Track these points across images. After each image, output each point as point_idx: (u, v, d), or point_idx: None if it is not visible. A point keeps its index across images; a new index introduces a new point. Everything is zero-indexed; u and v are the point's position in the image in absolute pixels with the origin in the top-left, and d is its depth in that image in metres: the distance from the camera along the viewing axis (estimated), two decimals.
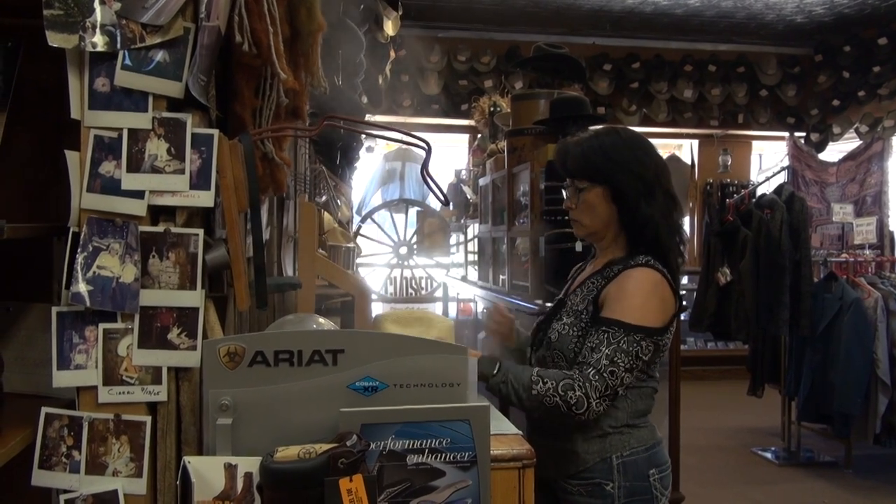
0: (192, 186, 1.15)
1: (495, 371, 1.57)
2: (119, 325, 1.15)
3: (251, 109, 1.30)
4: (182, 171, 1.15)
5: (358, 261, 5.30)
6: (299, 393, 1.12)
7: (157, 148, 1.15)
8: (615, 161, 1.62)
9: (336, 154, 3.65)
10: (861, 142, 7.65)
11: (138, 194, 1.15)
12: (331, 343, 1.14)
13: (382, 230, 7.54)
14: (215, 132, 1.17)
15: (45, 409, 1.15)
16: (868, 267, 4.96)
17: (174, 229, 1.16)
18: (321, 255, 2.88)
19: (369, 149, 6.50)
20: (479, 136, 6.75)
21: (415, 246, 7.54)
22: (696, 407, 5.10)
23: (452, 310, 6.76)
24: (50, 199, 1.40)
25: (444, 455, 1.12)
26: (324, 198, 4.62)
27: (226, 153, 1.17)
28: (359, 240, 7.08)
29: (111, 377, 1.15)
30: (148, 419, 1.16)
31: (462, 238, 6.13)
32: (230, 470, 1.06)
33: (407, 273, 7.67)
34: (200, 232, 1.16)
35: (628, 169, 1.61)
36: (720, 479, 4.39)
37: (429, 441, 1.11)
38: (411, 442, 1.11)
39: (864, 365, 4.40)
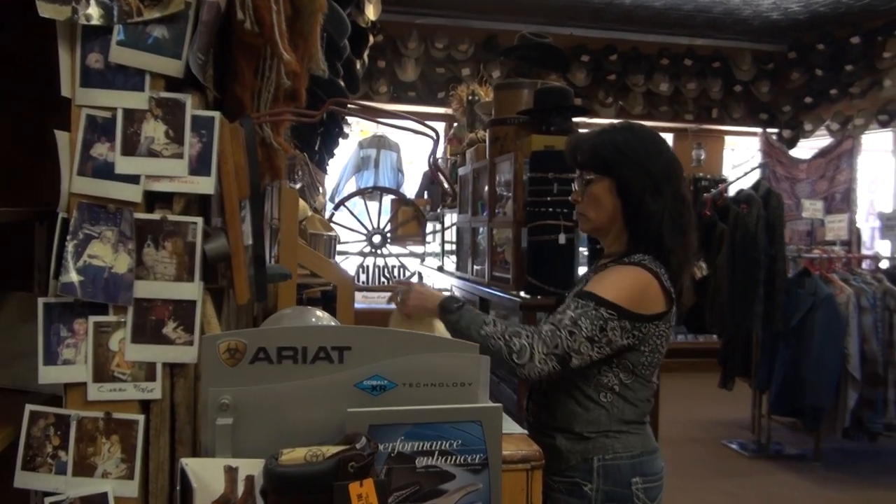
0: (192, 172, 1.08)
1: (455, 306, 1.55)
2: (111, 317, 1.08)
3: (251, 91, 1.23)
4: (181, 156, 1.08)
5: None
6: (304, 392, 1.07)
7: (154, 130, 1.08)
8: (624, 154, 1.58)
9: (316, 140, 3.56)
10: (832, 139, 7.75)
11: (133, 179, 1.07)
12: (337, 339, 1.08)
13: (356, 218, 7.45)
14: (216, 114, 1.10)
15: (29, 407, 1.08)
16: (839, 263, 5.03)
17: (171, 217, 1.09)
18: (303, 244, 2.81)
19: (344, 135, 6.41)
20: (456, 124, 6.69)
21: (388, 234, 7.48)
22: (666, 399, 5.12)
23: None
24: (33, 181, 1.32)
25: (454, 457, 1.07)
26: (299, 184, 4.53)
27: (227, 137, 1.10)
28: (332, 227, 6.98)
29: (102, 373, 1.08)
30: (141, 418, 1.09)
31: (438, 227, 6.08)
32: (230, 473, 1.01)
33: (380, 262, 7.61)
34: (199, 220, 1.10)
35: (636, 162, 1.57)
36: (693, 471, 4.43)
37: (439, 443, 1.07)
38: (421, 444, 1.06)
39: (836, 360, 4.47)
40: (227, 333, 1.04)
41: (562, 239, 3.38)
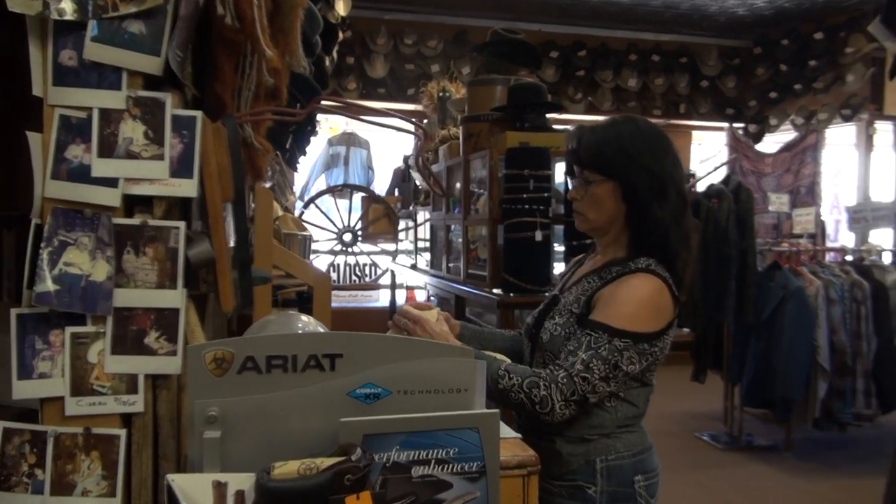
0: (173, 174, 1.03)
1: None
2: (89, 328, 1.03)
3: (231, 89, 1.18)
4: (161, 157, 1.03)
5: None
6: (295, 402, 1.03)
7: (132, 130, 1.03)
8: (630, 156, 1.52)
9: (287, 138, 3.50)
10: (796, 133, 7.87)
11: (111, 182, 1.02)
12: (328, 347, 1.04)
13: (326, 216, 7.38)
14: (198, 114, 1.06)
15: (2, 424, 1.02)
16: (808, 256, 5.10)
17: (152, 221, 1.04)
18: (278, 245, 2.75)
19: (315, 132, 6.33)
20: (426, 121, 6.65)
21: (359, 232, 7.41)
22: None
23: (399, 297, 6.68)
24: (2, 185, 1.26)
25: (451, 466, 1.04)
26: (269, 183, 4.46)
27: (209, 137, 1.06)
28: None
29: (80, 387, 1.02)
30: (122, 432, 1.04)
31: (411, 224, 6.04)
32: (220, 488, 0.96)
33: (351, 260, 7.54)
34: (182, 224, 1.05)
35: (644, 166, 1.51)
36: (667, 463, 4.40)
37: (435, 451, 1.04)
38: (417, 453, 1.03)
39: (806, 352, 4.52)
40: (214, 343, 0.99)
41: (538, 236, 3.36)
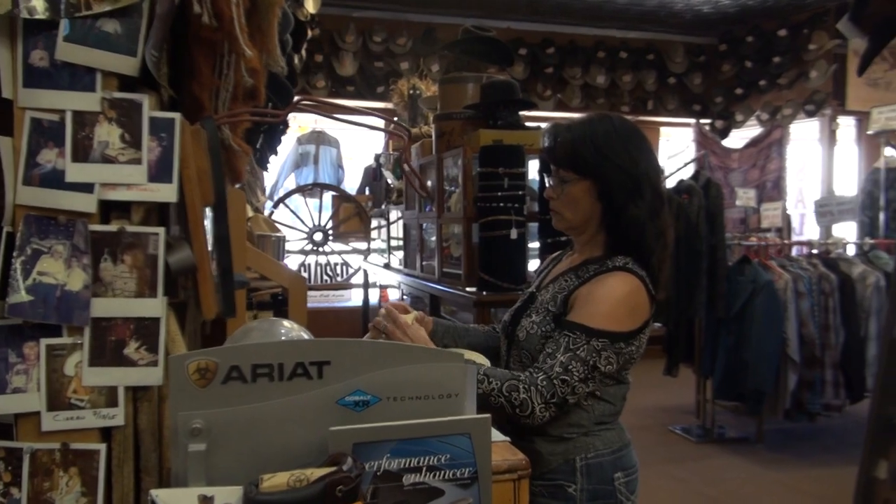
0: (151, 178, 1.00)
1: None
2: (66, 339, 0.99)
3: (209, 90, 1.15)
4: (139, 161, 0.99)
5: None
6: (282, 411, 1.00)
7: (108, 134, 0.99)
8: (605, 154, 1.52)
9: (258, 137, 3.45)
10: (762, 129, 7.98)
11: (86, 188, 0.98)
12: (316, 354, 1.01)
13: (296, 215, 7.30)
14: (177, 116, 1.02)
15: None
16: (776, 250, 5.17)
17: (130, 228, 1.00)
18: (251, 247, 2.70)
19: (285, 131, 6.27)
20: (396, 118, 6.62)
21: (330, 232, 7.35)
22: None
23: (372, 296, 6.64)
24: None
25: (443, 472, 1.02)
26: (238, 184, 4.38)
27: (188, 140, 1.02)
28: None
29: (57, 401, 0.98)
30: (102, 447, 1.01)
31: (383, 223, 6.00)
32: (206, 503, 0.93)
33: (322, 259, 7.48)
34: (161, 231, 1.01)
35: (618, 165, 1.51)
36: (642, 457, 4.42)
37: (426, 458, 1.02)
38: (408, 460, 1.01)
39: (776, 344, 4.59)
40: (197, 352, 0.96)
41: (513, 234, 3.36)
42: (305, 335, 1.19)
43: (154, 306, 1.00)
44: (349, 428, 0.99)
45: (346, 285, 7.57)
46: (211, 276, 1.06)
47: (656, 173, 1.56)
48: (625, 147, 1.53)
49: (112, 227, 1.00)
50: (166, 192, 1.00)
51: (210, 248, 1.17)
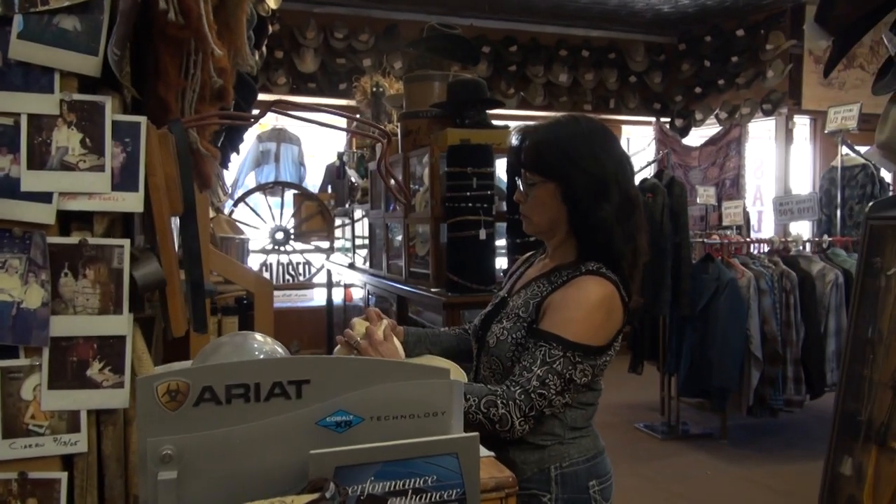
0: (115, 187, 0.92)
1: None
2: (22, 361, 0.91)
3: (176, 91, 1.08)
4: (101, 168, 0.92)
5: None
6: (259, 434, 0.94)
7: (67, 139, 0.91)
8: (569, 157, 1.49)
9: (220, 135, 3.34)
10: (721, 128, 8.09)
11: (44, 197, 0.91)
12: (294, 372, 0.96)
13: (257, 214, 7.18)
14: (142, 119, 0.95)
15: None
16: (737, 248, 5.23)
17: (92, 240, 0.93)
18: (215, 250, 2.62)
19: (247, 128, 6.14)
20: (359, 116, 6.54)
21: (292, 230, 7.24)
22: None
23: (336, 296, 6.55)
24: None
25: (430, 495, 0.97)
26: (207, 190, 4.27)
27: (155, 145, 0.95)
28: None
29: (13, 427, 0.91)
30: (63, 476, 0.93)
31: (346, 222, 5.92)
32: None
33: (284, 259, 7.37)
34: (126, 243, 0.94)
35: (582, 167, 1.48)
36: (610, 455, 4.49)
37: (412, 480, 0.97)
38: (393, 483, 0.96)
39: (739, 341, 4.63)
40: (167, 373, 0.90)
41: (482, 234, 3.33)
42: (280, 349, 1.13)
43: (119, 323, 0.93)
44: (331, 451, 0.94)
45: (308, 285, 7.48)
46: (180, 290, 0.99)
47: (625, 176, 1.53)
48: (590, 148, 1.50)
49: (73, 240, 0.92)
50: (132, 202, 0.93)
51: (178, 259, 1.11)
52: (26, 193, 0.91)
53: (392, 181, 1.20)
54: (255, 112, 1.29)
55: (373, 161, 4.75)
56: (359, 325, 1.55)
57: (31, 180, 0.90)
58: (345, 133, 7.33)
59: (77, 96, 0.92)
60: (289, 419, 0.95)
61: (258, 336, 1.16)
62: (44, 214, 0.91)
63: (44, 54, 0.90)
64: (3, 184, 0.90)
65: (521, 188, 1.58)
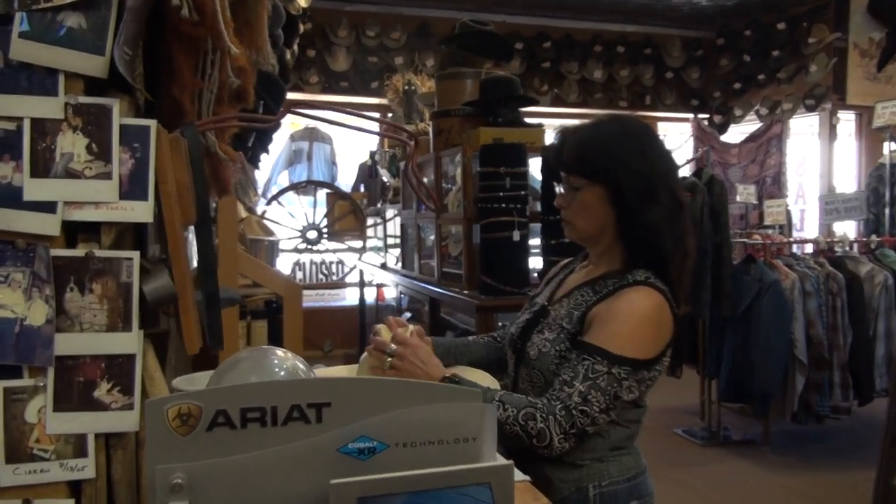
0: (123, 196, 0.87)
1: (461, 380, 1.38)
2: (26, 381, 0.86)
3: (191, 93, 1.02)
4: (108, 176, 0.86)
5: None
6: (276, 462, 0.87)
7: (72, 144, 0.85)
8: (616, 157, 1.41)
9: (250, 135, 3.31)
10: (761, 124, 7.88)
11: (48, 207, 0.85)
12: (314, 395, 0.89)
13: (290, 213, 7.18)
14: (152, 123, 0.89)
15: None
16: (779, 248, 5.07)
17: (99, 252, 0.87)
18: (244, 253, 2.58)
19: (277, 128, 6.14)
20: (391, 115, 6.50)
21: (324, 230, 7.23)
22: None
23: (368, 295, 6.52)
24: None
25: None
26: (225, 196, 4.25)
27: (166, 151, 0.89)
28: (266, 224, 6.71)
29: (17, 452, 0.85)
30: (70, 503, 0.88)
31: (378, 221, 5.88)
32: None
33: (316, 258, 7.37)
34: (135, 255, 0.88)
35: (630, 167, 1.40)
36: (648, 462, 4.38)
37: None
38: None
39: (783, 345, 4.49)
40: (177, 395, 0.84)
41: (516, 236, 3.24)
42: (301, 366, 1.06)
43: (128, 341, 0.87)
44: (353, 480, 0.87)
45: (341, 284, 7.47)
46: (194, 305, 0.93)
47: (673, 176, 1.45)
48: (636, 148, 1.43)
49: (78, 252, 0.87)
50: (141, 211, 0.87)
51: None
52: (29, 203, 0.85)
53: (420, 185, 1.12)
54: (283, 116, 1.22)
55: (404, 160, 4.69)
56: (384, 331, 1.48)
57: (35, 189, 0.84)
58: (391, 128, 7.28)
59: (83, 99, 0.87)
60: (308, 445, 0.88)
61: (279, 351, 1.10)
62: (48, 225, 0.85)
63: (47, 54, 0.84)
64: (4, 193, 0.84)
65: (563, 192, 1.50)
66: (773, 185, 7.82)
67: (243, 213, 4.24)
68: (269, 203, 7.02)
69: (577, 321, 1.43)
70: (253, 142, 3.67)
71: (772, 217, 5.75)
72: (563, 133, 1.50)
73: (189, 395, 0.84)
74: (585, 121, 1.52)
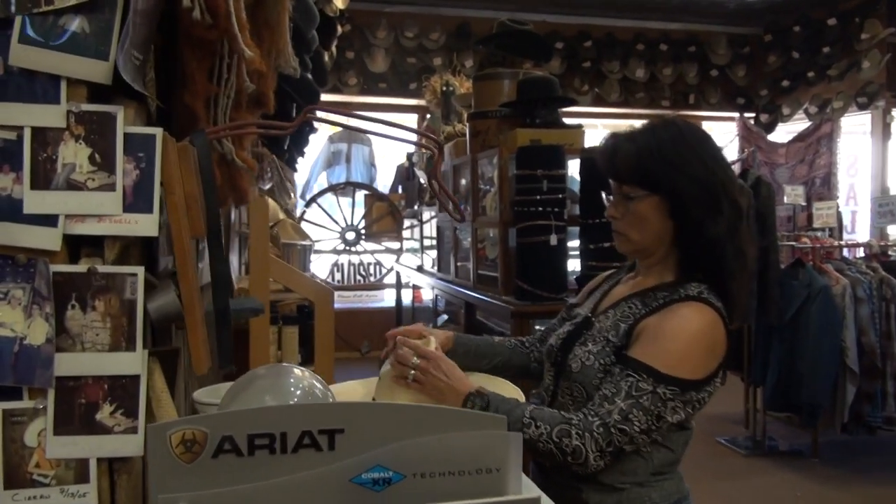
0: (127, 208, 0.82)
1: (481, 403, 1.30)
2: (26, 403, 0.82)
3: (204, 98, 0.97)
4: (112, 187, 0.82)
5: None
6: (285, 492, 0.82)
7: (74, 154, 0.81)
8: (676, 166, 1.32)
9: (285, 138, 3.29)
10: (810, 123, 7.65)
11: (49, 220, 0.81)
12: (326, 420, 0.83)
13: (328, 214, 7.20)
14: (158, 131, 0.84)
15: None
16: (828, 252, 4.88)
17: (102, 268, 0.83)
18: (275, 258, 2.54)
19: (314, 130, 6.15)
20: (429, 116, 6.46)
21: (362, 231, 7.24)
22: None
23: (405, 297, 6.50)
24: None
25: None
26: (269, 185, 4.26)
27: (173, 160, 0.84)
28: (303, 225, 6.74)
29: (16, 477, 0.82)
30: None
31: (415, 223, 5.85)
32: None
33: (354, 259, 7.38)
34: (140, 270, 0.84)
35: (692, 176, 1.31)
36: (689, 472, 4.25)
37: None
38: None
39: (833, 353, 4.32)
40: (181, 420, 0.79)
41: (553, 240, 3.15)
42: (318, 386, 1.01)
43: (132, 361, 0.83)
44: None
45: (378, 285, 7.47)
46: (202, 323, 0.88)
47: (732, 184, 1.36)
48: (697, 155, 1.33)
49: (80, 268, 0.83)
50: (145, 224, 0.82)
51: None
52: (30, 216, 0.81)
53: (443, 194, 1.06)
54: (298, 124, 1.17)
55: (441, 162, 4.64)
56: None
57: (35, 201, 0.80)
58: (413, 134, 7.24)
59: (86, 106, 0.82)
60: (319, 475, 0.82)
61: (297, 370, 1.05)
62: (48, 239, 0.81)
63: (49, 60, 0.80)
64: (4, 205, 0.81)
65: (614, 202, 1.41)
66: (822, 186, 7.57)
67: (281, 216, 4.24)
68: (307, 205, 7.06)
69: (623, 334, 1.36)
70: (288, 145, 3.66)
71: (821, 219, 5.56)
72: (615, 139, 1.41)
73: (194, 420, 0.80)
74: (638, 126, 1.42)
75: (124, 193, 0.83)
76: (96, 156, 0.82)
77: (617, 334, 1.36)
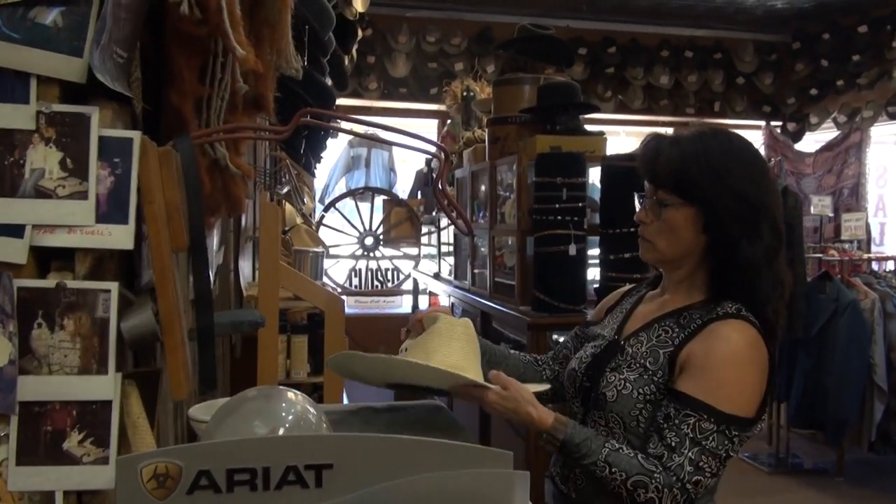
0: (100, 218, 0.75)
1: (565, 431, 1.25)
2: None
3: (194, 100, 0.90)
4: (84, 195, 0.75)
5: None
6: None
7: (44, 159, 0.75)
8: (721, 177, 1.24)
9: (300, 143, 3.23)
10: (839, 132, 7.48)
11: (14, 231, 0.74)
12: (313, 454, 0.76)
13: (346, 219, 7.15)
14: (135, 135, 0.77)
15: None
16: (856, 265, 4.75)
17: (72, 283, 0.76)
18: (286, 265, 2.48)
19: (333, 135, 6.11)
20: (450, 121, 6.40)
21: (381, 236, 7.18)
22: None
23: (422, 303, 6.42)
24: None
25: None
26: (285, 189, 4.21)
27: (153, 166, 0.77)
28: (322, 230, 6.71)
29: None
30: None
31: (434, 229, 5.78)
32: None
33: (373, 265, 7.32)
34: (114, 286, 0.77)
35: (736, 191, 1.23)
36: None
37: None
38: None
39: (861, 370, 4.21)
40: (153, 453, 0.72)
41: (572, 250, 3.06)
42: (312, 411, 0.93)
43: (103, 385, 0.76)
44: None
45: (396, 291, 7.40)
46: (182, 343, 0.81)
47: (778, 209, 1.27)
48: (745, 171, 1.25)
49: (48, 283, 0.76)
50: (119, 236, 0.75)
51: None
52: None
53: (449, 205, 0.99)
54: (292, 128, 1.09)
55: (460, 168, 4.57)
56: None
57: (0, 210, 0.74)
58: (435, 139, 7.17)
59: (57, 107, 0.76)
60: None
61: (290, 394, 0.97)
62: (13, 252, 0.74)
63: (17, 56, 0.74)
64: None
65: (645, 206, 1.33)
66: (850, 197, 7.40)
67: (298, 220, 4.19)
68: (326, 209, 7.02)
69: (664, 363, 1.27)
70: (304, 149, 3.60)
71: (850, 231, 5.42)
72: (658, 142, 1.33)
73: (167, 453, 0.72)
74: (683, 131, 1.35)
75: (97, 202, 0.76)
76: (68, 161, 0.75)
77: (656, 362, 1.28)
